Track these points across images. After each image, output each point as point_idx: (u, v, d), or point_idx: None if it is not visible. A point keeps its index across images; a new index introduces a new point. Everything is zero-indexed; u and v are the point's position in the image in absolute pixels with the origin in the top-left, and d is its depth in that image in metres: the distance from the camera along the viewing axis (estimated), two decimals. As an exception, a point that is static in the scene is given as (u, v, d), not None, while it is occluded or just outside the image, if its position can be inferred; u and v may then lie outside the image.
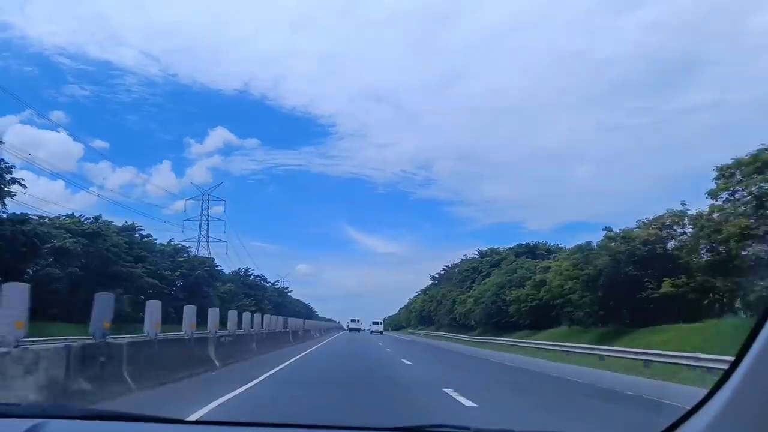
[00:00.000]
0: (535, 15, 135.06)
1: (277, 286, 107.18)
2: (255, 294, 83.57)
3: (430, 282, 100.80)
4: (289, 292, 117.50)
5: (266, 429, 2.11)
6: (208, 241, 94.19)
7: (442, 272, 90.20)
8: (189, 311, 14.49)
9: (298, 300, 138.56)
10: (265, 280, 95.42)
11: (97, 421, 2.10)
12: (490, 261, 61.66)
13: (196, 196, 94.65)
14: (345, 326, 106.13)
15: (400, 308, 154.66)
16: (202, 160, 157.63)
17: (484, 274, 60.20)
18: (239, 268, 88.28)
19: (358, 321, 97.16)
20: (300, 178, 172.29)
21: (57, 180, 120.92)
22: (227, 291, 72.88)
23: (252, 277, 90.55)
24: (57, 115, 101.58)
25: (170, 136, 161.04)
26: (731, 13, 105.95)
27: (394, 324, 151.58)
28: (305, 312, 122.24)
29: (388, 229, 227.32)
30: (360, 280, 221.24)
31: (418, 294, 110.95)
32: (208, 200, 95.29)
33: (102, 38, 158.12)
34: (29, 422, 1.79)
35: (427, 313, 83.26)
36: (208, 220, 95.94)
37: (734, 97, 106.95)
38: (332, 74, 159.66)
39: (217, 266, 70.69)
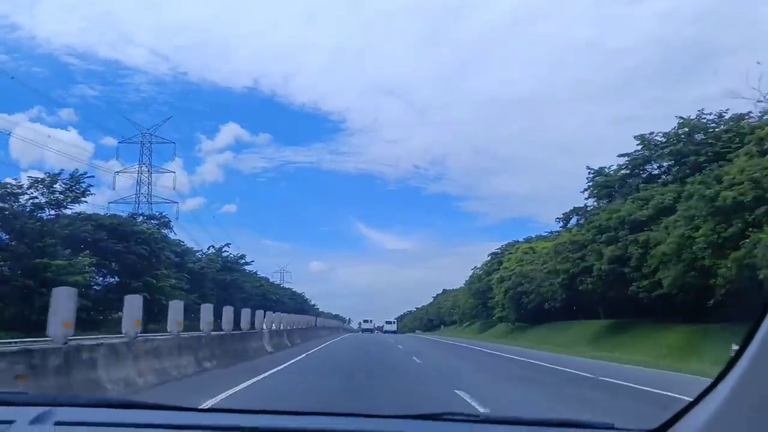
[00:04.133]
0: (546, 5, 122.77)
1: (226, 253, 58.97)
2: (156, 258, 36.70)
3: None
4: (247, 265, 68.94)
5: (278, 417, 1.97)
6: (150, 201, 57.47)
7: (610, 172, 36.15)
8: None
9: (282, 286, 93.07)
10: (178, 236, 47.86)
11: (105, 409, 2.01)
12: None
13: (134, 136, 59.65)
14: (356, 326, 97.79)
15: (434, 296, 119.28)
16: (212, 157, 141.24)
17: None
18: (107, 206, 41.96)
19: (370, 321, 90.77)
20: (311, 176, 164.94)
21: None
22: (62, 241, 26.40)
23: (163, 231, 43.58)
24: (67, 113, 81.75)
25: (180, 134, 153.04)
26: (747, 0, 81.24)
27: (420, 322, 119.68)
28: (294, 304, 79.33)
29: (399, 226, 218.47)
30: (371, 277, 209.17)
31: (492, 256, 65.51)
32: (150, 143, 59.32)
33: (111, 37, 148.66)
34: (38, 410, 1.74)
35: (567, 293, 35.62)
36: (150, 172, 58.78)
37: (752, 87, 67.99)
38: (342, 69, 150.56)
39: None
